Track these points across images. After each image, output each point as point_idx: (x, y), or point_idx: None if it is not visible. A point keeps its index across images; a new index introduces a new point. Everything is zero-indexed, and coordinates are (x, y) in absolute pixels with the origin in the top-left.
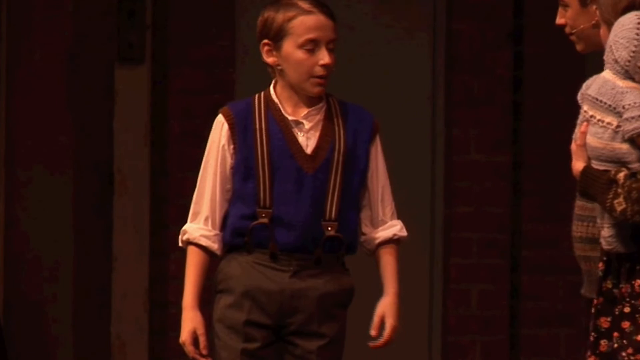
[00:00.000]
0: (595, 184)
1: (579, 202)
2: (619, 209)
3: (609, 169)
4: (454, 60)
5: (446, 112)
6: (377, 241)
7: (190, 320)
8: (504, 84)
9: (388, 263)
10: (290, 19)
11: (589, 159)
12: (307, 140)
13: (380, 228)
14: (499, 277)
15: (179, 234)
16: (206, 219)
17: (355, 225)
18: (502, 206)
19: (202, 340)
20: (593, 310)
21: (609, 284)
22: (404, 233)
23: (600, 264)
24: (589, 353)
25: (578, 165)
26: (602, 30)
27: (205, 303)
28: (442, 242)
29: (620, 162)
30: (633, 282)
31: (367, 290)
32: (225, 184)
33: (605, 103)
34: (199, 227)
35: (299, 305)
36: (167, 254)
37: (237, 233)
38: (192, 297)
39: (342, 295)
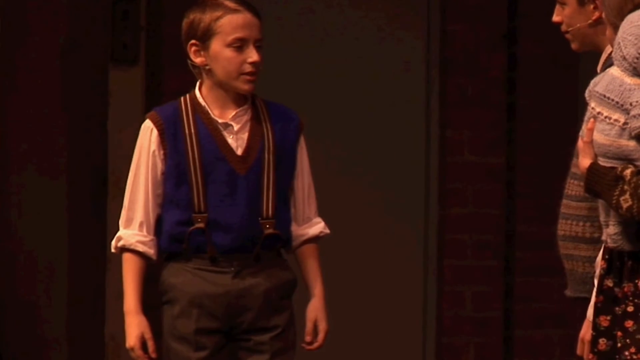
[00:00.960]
0: (601, 181)
1: (564, 201)
2: (625, 206)
3: (615, 166)
4: (448, 62)
5: (440, 113)
6: (304, 238)
7: (136, 326)
8: (498, 86)
9: (312, 262)
10: (217, 19)
11: (595, 156)
12: (237, 141)
13: (306, 225)
14: (493, 279)
15: None
16: (141, 225)
17: (289, 221)
18: (496, 207)
19: (150, 344)
20: (593, 308)
21: (609, 283)
22: (328, 230)
23: (602, 262)
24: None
25: (585, 162)
26: (608, 32)
27: (148, 308)
28: (436, 243)
29: (627, 159)
30: (637, 280)
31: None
32: (157, 189)
33: (612, 100)
34: (135, 233)
35: (246, 304)
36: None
37: (174, 239)
38: (134, 303)
39: (285, 288)
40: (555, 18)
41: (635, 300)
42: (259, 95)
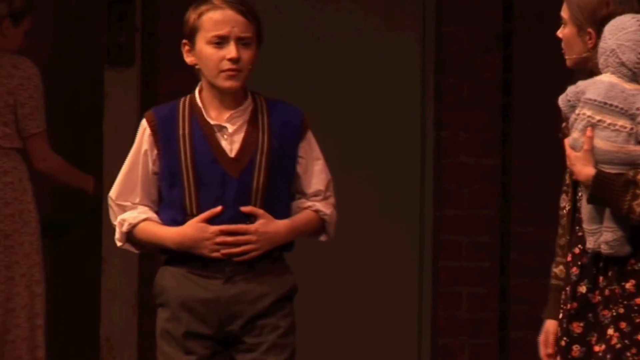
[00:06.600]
0: (610, 188)
1: None
2: (638, 210)
3: (622, 172)
4: (443, 63)
5: (435, 114)
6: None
7: (192, 227)
8: (493, 87)
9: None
10: (200, 15)
11: (596, 163)
12: (231, 144)
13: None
14: (488, 280)
15: None
16: (141, 204)
17: None
18: (491, 209)
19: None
20: (567, 314)
21: (583, 289)
22: (327, 210)
23: (575, 269)
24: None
25: (588, 170)
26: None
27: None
28: (431, 244)
29: (635, 164)
30: (624, 283)
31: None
32: (150, 188)
33: (616, 107)
34: (136, 211)
35: (236, 311)
36: (156, 256)
37: None
38: (174, 230)
39: (280, 294)
40: (560, 34)
41: (625, 302)
42: (262, 94)
